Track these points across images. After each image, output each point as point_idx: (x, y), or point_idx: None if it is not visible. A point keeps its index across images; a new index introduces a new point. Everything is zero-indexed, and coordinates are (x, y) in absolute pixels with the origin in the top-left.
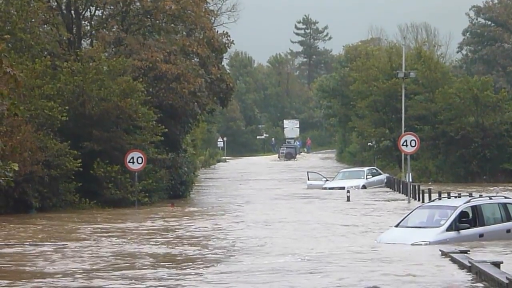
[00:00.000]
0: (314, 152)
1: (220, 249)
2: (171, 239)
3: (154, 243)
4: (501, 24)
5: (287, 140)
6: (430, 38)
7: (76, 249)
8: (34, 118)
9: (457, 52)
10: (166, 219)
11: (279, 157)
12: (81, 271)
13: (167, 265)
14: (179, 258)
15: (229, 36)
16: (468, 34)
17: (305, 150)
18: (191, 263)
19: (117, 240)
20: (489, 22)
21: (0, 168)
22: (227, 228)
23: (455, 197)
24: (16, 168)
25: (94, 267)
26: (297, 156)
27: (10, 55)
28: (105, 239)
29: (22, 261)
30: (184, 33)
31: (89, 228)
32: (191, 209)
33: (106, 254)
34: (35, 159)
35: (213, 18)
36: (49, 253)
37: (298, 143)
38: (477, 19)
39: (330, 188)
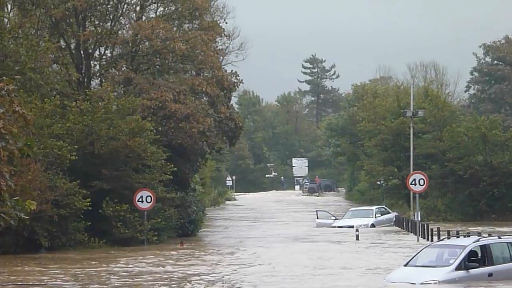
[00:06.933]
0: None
1: None
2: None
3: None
4: (509, 63)
5: (309, 179)
6: (439, 77)
7: None
8: (43, 157)
9: (465, 91)
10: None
11: (303, 192)
12: None
13: None
14: None
15: (238, 75)
16: (476, 73)
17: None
18: None
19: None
20: (497, 62)
21: (10, 207)
22: (216, 270)
23: (464, 236)
24: (33, 207)
25: None
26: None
27: (19, 95)
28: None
29: None
30: (193, 72)
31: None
32: (189, 250)
33: None
34: (44, 198)
35: (221, 57)
36: None
37: (317, 181)
38: (484, 58)
39: (339, 227)
